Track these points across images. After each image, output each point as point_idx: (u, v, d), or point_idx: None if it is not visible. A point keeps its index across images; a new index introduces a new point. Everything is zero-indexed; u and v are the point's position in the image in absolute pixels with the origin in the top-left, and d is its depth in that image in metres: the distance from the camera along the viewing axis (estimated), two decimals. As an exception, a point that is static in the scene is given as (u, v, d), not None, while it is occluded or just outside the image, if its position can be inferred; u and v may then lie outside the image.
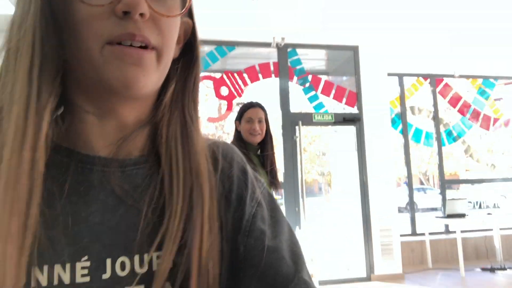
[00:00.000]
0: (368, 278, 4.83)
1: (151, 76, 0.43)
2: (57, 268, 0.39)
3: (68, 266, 0.39)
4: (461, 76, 6.54)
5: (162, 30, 0.43)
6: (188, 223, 0.43)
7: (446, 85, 6.50)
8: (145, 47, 0.42)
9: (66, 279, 0.39)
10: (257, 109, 2.31)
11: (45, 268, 0.38)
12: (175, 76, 0.49)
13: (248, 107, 2.33)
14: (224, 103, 4.99)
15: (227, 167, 0.51)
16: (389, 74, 5.61)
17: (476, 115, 6.56)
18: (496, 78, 6.70)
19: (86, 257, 0.40)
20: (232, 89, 4.95)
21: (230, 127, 12.05)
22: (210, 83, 4.96)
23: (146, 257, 0.42)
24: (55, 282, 0.38)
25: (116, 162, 0.45)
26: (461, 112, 6.53)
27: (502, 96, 6.73)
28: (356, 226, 5.05)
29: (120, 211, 0.43)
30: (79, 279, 0.39)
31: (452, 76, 6.45)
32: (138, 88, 0.42)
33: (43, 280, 0.38)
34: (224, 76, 4.95)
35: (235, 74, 4.97)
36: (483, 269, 5.13)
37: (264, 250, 0.46)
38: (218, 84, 4.93)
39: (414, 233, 6.07)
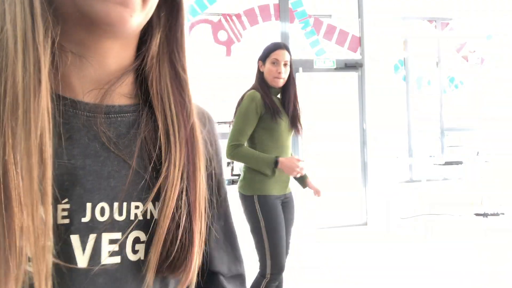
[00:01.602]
0: (364, 223, 4.97)
1: (136, 16, 0.42)
2: (55, 206, 0.40)
3: (57, 206, 0.40)
4: (468, 19, 6.30)
5: None
6: (185, 172, 0.45)
7: (452, 29, 6.28)
8: None
9: (62, 220, 0.40)
10: (284, 51, 2.19)
11: (28, 208, 0.38)
12: (159, 24, 0.49)
13: (275, 48, 2.20)
14: (223, 48, 4.83)
15: (210, 133, 0.57)
16: (394, 18, 5.39)
17: (481, 60, 6.41)
18: (504, 21, 6.46)
19: (66, 200, 0.41)
20: (231, 33, 4.77)
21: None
22: (208, 26, 4.77)
23: (125, 205, 0.43)
24: (57, 220, 0.40)
25: (100, 108, 0.44)
26: (465, 57, 6.37)
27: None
28: (354, 172, 5.10)
29: (102, 157, 0.43)
30: (60, 221, 0.40)
31: (459, 19, 6.21)
32: (122, 26, 0.41)
33: (27, 218, 0.36)
34: (222, 20, 4.75)
35: (234, 17, 4.76)
36: (477, 214, 5.27)
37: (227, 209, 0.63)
38: (216, 28, 4.74)
39: (411, 179, 6.16)
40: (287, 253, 2.21)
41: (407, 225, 4.91)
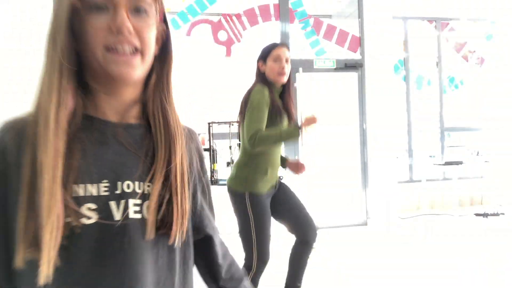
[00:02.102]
0: (364, 223, 4.96)
1: (137, 70, 0.66)
2: (89, 186, 0.62)
3: (95, 185, 0.63)
4: (468, 19, 6.30)
5: (143, 38, 0.65)
6: (169, 165, 0.68)
7: (452, 29, 6.29)
8: (135, 50, 0.64)
9: (95, 192, 0.63)
10: (284, 48, 2.20)
11: (82, 186, 0.62)
12: (156, 68, 0.72)
13: (275, 45, 2.21)
14: (223, 48, 4.83)
15: (194, 146, 0.79)
16: (394, 18, 5.38)
17: (480, 61, 6.41)
18: (504, 21, 6.46)
19: (105, 180, 0.64)
20: (231, 33, 4.77)
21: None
22: (208, 27, 4.77)
23: (142, 184, 0.66)
24: (88, 194, 0.62)
25: (122, 125, 0.69)
26: (465, 57, 6.37)
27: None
28: (354, 172, 5.10)
29: (125, 155, 0.67)
30: (102, 193, 0.63)
31: (459, 19, 6.21)
32: (129, 79, 0.66)
33: (81, 192, 0.61)
34: (222, 20, 4.75)
35: (234, 17, 4.76)
36: (477, 215, 5.27)
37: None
38: (216, 28, 4.74)
39: (411, 179, 6.16)
40: (312, 225, 2.40)
41: (407, 225, 4.91)
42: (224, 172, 4.36)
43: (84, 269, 0.60)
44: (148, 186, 0.66)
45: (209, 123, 4.09)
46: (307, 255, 2.39)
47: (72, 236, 0.58)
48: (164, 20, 0.71)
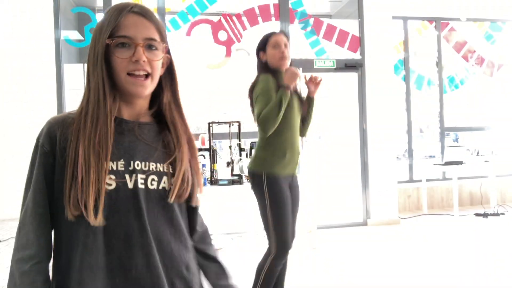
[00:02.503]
0: (364, 223, 4.96)
1: (148, 89, 0.93)
2: (115, 162, 0.88)
3: (115, 162, 0.88)
4: (467, 20, 6.30)
5: (153, 66, 0.92)
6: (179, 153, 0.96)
7: (452, 29, 6.29)
8: (147, 75, 0.91)
9: (114, 167, 0.88)
10: (281, 35, 2.21)
11: (111, 162, 0.88)
12: (166, 85, 0.99)
13: (271, 34, 2.22)
14: (223, 48, 4.83)
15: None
16: (394, 18, 5.38)
17: (480, 61, 6.41)
18: (504, 21, 6.47)
19: (122, 160, 0.90)
20: (231, 33, 4.77)
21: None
22: (208, 27, 4.77)
23: (147, 163, 0.92)
24: (115, 168, 0.88)
25: (137, 123, 0.96)
26: (465, 58, 6.37)
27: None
28: (354, 171, 5.10)
29: (136, 142, 0.93)
30: (119, 168, 0.88)
31: (458, 19, 6.21)
32: (142, 95, 0.93)
33: (113, 166, 0.88)
34: (222, 20, 4.75)
35: (234, 17, 4.76)
36: (477, 215, 5.27)
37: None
38: (216, 28, 4.74)
39: (411, 179, 6.16)
40: (293, 234, 2.21)
41: (407, 225, 4.91)
42: (224, 172, 4.36)
43: (107, 220, 0.86)
44: (153, 165, 0.93)
45: (209, 123, 4.08)
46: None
47: (99, 197, 0.84)
48: (168, 52, 0.98)
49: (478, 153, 6.08)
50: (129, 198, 0.89)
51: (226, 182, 3.91)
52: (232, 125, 4.16)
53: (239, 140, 4.18)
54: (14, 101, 4.09)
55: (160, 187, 0.92)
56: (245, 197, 3.62)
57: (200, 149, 4.20)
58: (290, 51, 2.27)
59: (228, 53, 4.82)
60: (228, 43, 4.76)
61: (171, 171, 0.94)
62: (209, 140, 4.07)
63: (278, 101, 2.06)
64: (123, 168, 0.89)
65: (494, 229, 4.57)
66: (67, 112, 0.95)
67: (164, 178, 0.93)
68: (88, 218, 0.83)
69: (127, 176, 0.89)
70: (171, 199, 0.92)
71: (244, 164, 3.94)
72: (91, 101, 0.89)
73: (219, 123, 4.18)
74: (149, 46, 0.92)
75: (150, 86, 0.93)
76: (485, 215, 5.21)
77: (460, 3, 5.80)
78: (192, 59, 4.80)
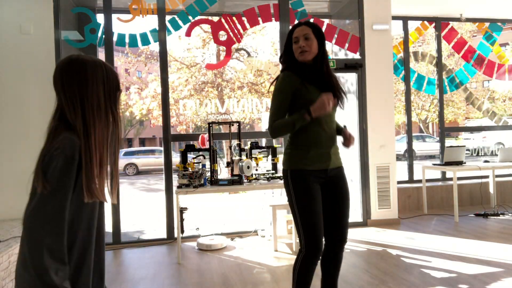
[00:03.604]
0: (364, 223, 4.96)
1: None
2: None
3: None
4: (467, 20, 6.30)
5: None
6: None
7: (452, 29, 6.29)
8: None
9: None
10: (302, 27, 2.13)
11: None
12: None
13: (293, 28, 2.16)
14: (223, 49, 4.82)
15: None
16: (394, 18, 5.38)
17: (480, 61, 6.41)
18: (504, 21, 6.47)
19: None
20: (231, 34, 4.77)
21: (229, 74, 11.75)
22: (207, 27, 4.76)
23: None
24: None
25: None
26: (465, 58, 6.37)
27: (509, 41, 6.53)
28: (353, 171, 5.10)
29: None
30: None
31: (458, 19, 6.22)
32: None
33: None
34: (222, 20, 4.75)
35: (234, 18, 4.76)
36: (477, 215, 5.26)
37: None
38: (216, 28, 4.74)
39: (411, 180, 6.17)
40: (343, 235, 2.17)
41: (408, 225, 4.91)
42: (224, 172, 4.36)
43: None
44: None
45: (209, 123, 4.08)
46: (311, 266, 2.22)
47: None
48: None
49: (478, 153, 6.08)
50: None
51: (226, 182, 3.90)
52: (232, 125, 4.16)
53: (239, 140, 4.19)
54: (14, 101, 4.09)
55: None
56: (245, 197, 3.62)
57: (200, 149, 4.20)
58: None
59: (228, 53, 4.82)
60: (228, 43, 4.76)
61: None
62: (209, 140, 4.07)
63: (292, 123, 2.05)
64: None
65: (494, 229, 4.57)
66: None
67: None
68: None
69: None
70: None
71: (244, 164, 3.94)
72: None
73: (219, 123, 4.17)
74: None
75: None
76: (485, 215, 5.21)
77: (460, 3, 5.79)
78: (192, 59, 4.80)
